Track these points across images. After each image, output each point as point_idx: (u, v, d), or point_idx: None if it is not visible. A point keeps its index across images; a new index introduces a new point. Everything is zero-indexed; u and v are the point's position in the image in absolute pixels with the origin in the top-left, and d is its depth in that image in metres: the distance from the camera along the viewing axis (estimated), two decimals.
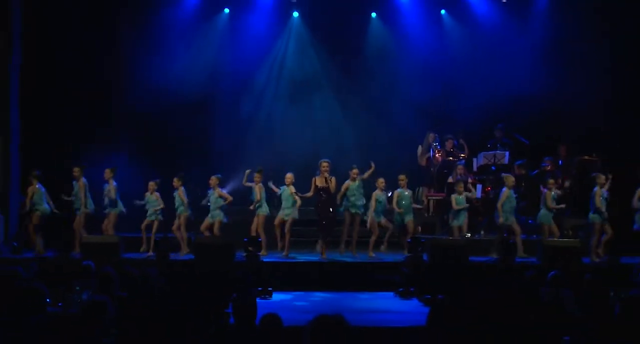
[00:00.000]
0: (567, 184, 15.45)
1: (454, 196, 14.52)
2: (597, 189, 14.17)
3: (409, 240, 13.40)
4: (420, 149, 16.90)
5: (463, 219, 14.46)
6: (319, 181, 14.30)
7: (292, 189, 14.43)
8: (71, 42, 16.34)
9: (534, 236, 15.15)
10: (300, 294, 12.62)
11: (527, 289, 8.37)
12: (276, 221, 14.53)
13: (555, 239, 13.89)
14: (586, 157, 16.15)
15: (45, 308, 6.63)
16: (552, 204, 14.24)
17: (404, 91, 17.31)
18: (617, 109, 16.45)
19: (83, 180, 14.33)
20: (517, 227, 14.30)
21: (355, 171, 14.43)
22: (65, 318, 7.16)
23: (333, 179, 14.30)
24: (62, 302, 8.87)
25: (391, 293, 12.59)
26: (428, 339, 5.29)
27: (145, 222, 14.52)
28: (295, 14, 18.23)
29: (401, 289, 12.41)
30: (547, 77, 16.40)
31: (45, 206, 14.17)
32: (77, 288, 9.11)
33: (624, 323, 6.14)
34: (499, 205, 14.24)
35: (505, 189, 14.33)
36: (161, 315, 6.61)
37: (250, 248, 12.89)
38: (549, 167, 15.79)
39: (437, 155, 16.68)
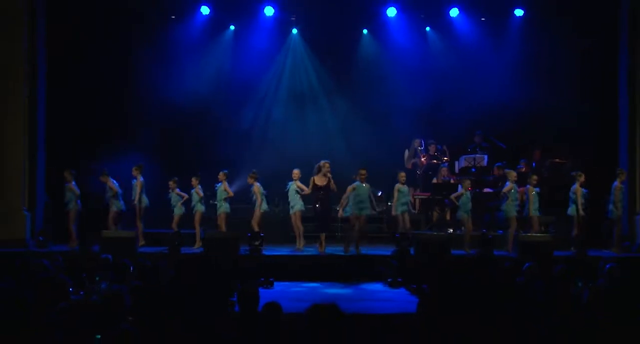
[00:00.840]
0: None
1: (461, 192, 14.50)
2: (577, 186, 14.22)
3: (397, 235, 13.41)
4: (407, 153, 16.94)
5: (469, 211, 14.45)
6: (318, 180, 14.26)
7: (299, 183, 14.42)
8: (93, 54, 16.37)
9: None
10: (299, 285, 12.61)
11: (504, 279, 8.39)
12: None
13: (530, 234, 13.90)
14: (557, 160, 16.20)
15: (69, 296, 6.64)
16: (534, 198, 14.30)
17: (392, 99, 17.32)
18: (586, 116, 16.46)
19: (112, 182, 14.56)
20: (515, 222, 14.32)
21: (363, 171, 14.35)
22: (86, 305, 7.16)
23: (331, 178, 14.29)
24: (83, 291, 8.88)
25: (381, 283, 12.61)
26: (417, 325, 5.29)
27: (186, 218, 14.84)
28: (294, 31, 18.22)
29: (390, 279, 12.43)
30: (522, 87, 16.42)
31: (78, 203, 14.42)
32: (97, 278, 9.13)
33: (591, 310, 6.16)
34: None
35: (508, 184, 14.37)
36: (172, 303, 6.62)
37: (253, 243, 12.90)
38: (523, 169, 15.85)
39: (422, 159, 16.71)
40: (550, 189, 15.63)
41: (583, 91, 16.43)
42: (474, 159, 16.33)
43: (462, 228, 15.16)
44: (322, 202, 14.32)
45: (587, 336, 5.14)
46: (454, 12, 17.50)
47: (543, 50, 16.89)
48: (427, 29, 18.07)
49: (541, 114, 16.80)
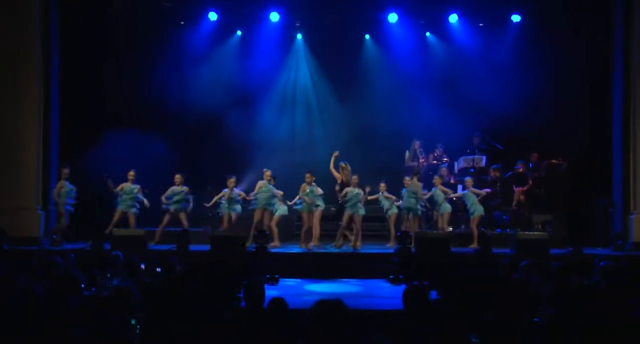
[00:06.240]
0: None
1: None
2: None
3: (398, 233, 13.40)
4: (407, 154, 16.88)
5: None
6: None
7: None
8: (105, 57, 16.35)
9: (507, 230, 15.15)
10: (304, 281, 12.57)
11: (502, 276, 8.38)
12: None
13: (527, 232, 13.89)
14: (553, 161, 16.12)
15: (81, 292, 6.62)
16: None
17: (394, 102, 17.29)
18: (582, 118, 16.42)
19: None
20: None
21: (354, 177, 14.49)
22: (98, 301, 7.14)
23: None
24: (95, 287, 8.86)
25: (383, 280, 12.57)
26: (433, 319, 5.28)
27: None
28: (299, 36, 18.22)
29: (392, 276, 12.39)
30: (519, 91, 16.33)
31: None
32: (108, 274, 9.11)
33: (587, 305, 6.13)
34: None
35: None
36: (181, 299, 6.59)
37: (259, 240, 12.87)
38: (520, 170, 15.77)
39: (421, 160, 16.66)
40: (546, 189, 15.59)
41: (579, 94, 16.40)
42: (473, 160, 16.30)
43: (462, 226, 15.19)
44: None
45: (586, 328, 5.12)
46: (453, 18, 17.49)
47: (539, 55, 16.81)
48: (427, 34, 18.04)
49: (538, 117, 16.70)
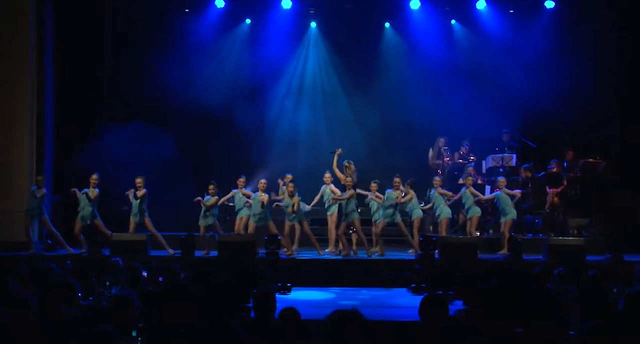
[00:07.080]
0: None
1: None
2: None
3: (421, 238, 13.35)
4: (431, 152, 16.81)
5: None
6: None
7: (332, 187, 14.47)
8: (104, 49, 16.47)
9: (539, 234, 15.09)
10: (318, 290, 12.55)
11: (534, 284, 8.34)
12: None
13: (561, 237, 13.82)
14: (590, 159, 16.02)
15: (79, 301, 6.65)
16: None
17: (416, 95, 17.15)
18: (621, 114, 16.33)
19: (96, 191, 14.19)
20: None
21: (374, 184, 14.43)
22: (95, 311, 7.17)
23: None
24: (93, 296, 8.90)
25: (404, 289, 12.54)
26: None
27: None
28: (313, 24, 18.22)
29: (414, 285, 12.34)
30: (552, 84, 16.25)
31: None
32: (108, 283, 9.15)
33: (628, 318, 6.08)
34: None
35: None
36: (185, 308, 6.59)
37: (270, 246, 12.86)
38: (555, 169, 15.70)
39: (446, 158, 16.60)
40: (583, 190, 15.50)
41: (619, 86, 16.29)
42: (502, 158, 16.22)
43: (490, 231, 15.14)
44: None
45: (626, 342, 5.07)
46: (480, 4, 17.44)
47: (575, 44, 16.71)
48: (453, 22, 18.00)
49: (574, 111, 16.57)
